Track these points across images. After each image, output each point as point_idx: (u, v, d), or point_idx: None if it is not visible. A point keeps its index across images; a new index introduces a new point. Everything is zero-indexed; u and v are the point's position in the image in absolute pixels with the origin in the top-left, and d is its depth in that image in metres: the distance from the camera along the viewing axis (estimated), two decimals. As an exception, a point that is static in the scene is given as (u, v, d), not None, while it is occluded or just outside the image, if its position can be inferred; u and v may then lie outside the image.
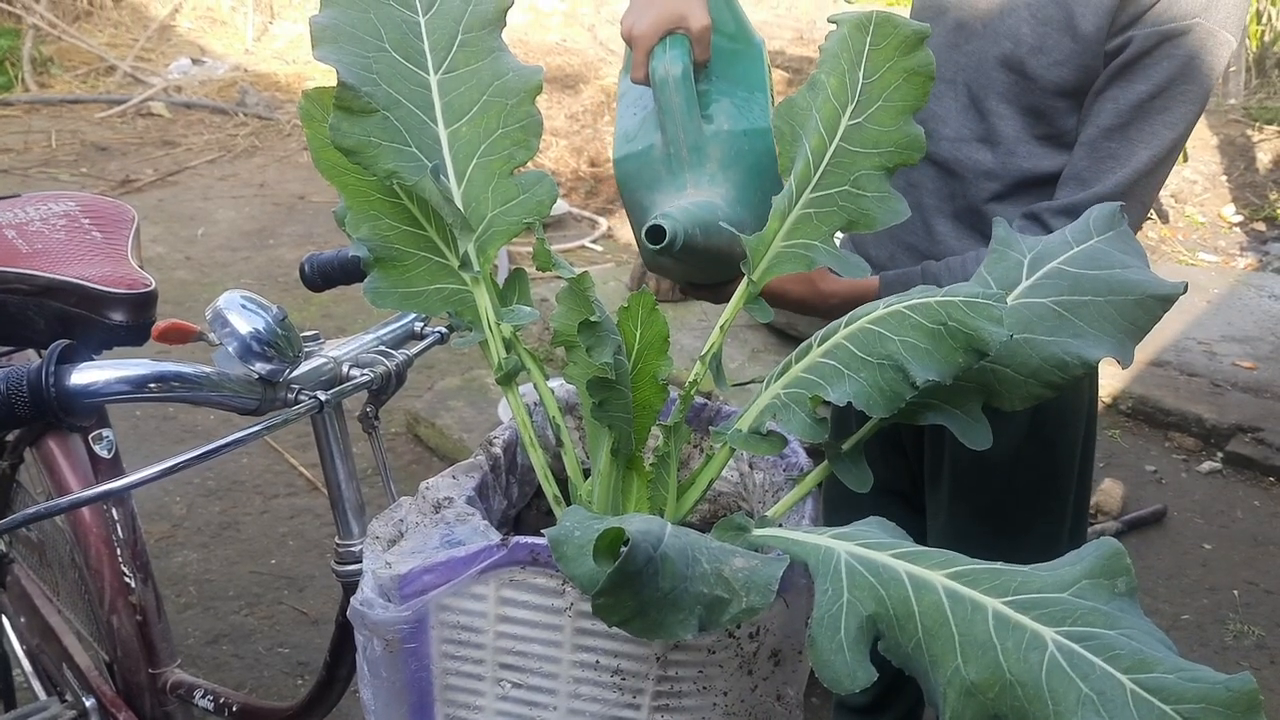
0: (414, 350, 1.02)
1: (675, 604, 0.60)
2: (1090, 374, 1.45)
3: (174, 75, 6.82)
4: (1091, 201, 1.13)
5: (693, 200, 1.12)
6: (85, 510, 1.41)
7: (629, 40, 1.17)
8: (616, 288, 3.81)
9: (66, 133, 5.88)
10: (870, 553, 0.68)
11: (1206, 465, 3.07)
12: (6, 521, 0.86)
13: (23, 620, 1.70)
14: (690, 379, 0.93)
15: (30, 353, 1.49)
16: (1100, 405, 3.36)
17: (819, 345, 0.84)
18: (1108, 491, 2.80)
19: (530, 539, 0.75)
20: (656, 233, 1.06)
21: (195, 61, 7.06)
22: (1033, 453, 1.38)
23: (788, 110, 0.97)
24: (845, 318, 0.84)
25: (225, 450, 0.83)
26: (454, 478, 0.91)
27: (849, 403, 0.79)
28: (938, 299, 0.79)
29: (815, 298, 1.29)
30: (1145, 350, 3.49)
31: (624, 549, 0.56)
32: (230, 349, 0.81)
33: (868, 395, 0.79)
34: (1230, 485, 3.00)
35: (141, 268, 1.34)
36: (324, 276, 1.16)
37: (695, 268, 1.20)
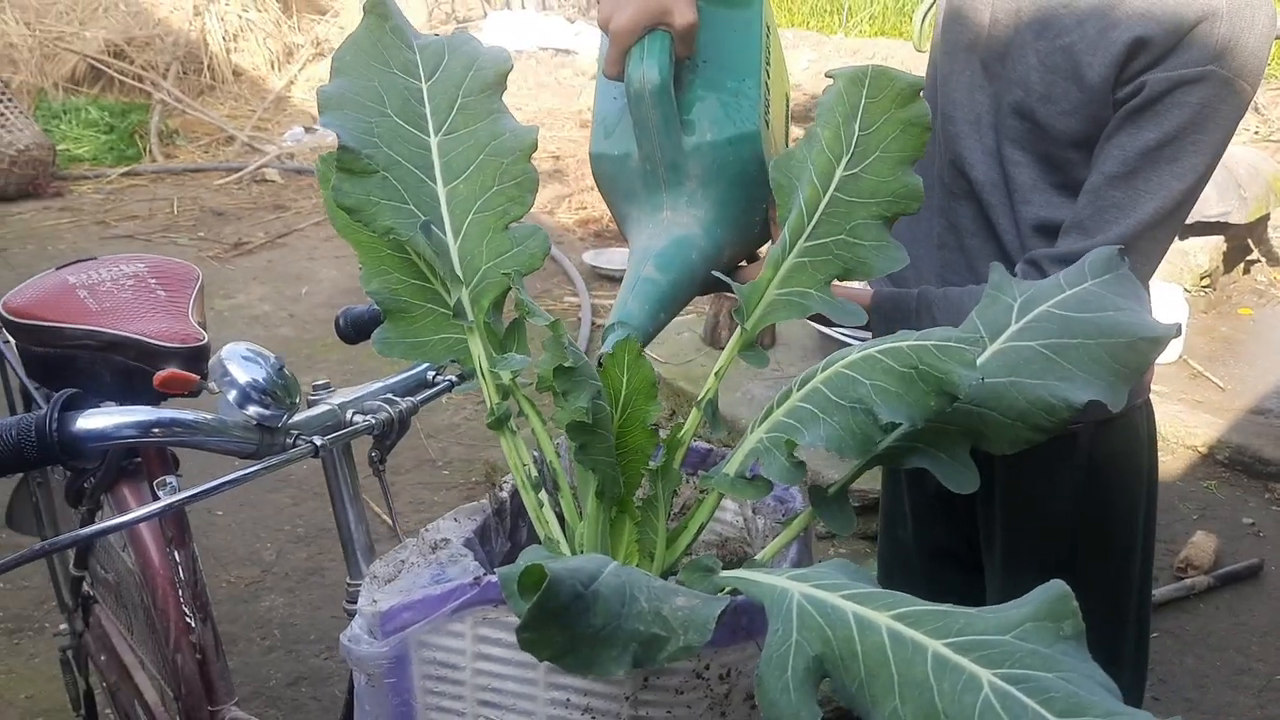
0: (419, 397, 1.07)
1: (608, 641, 0.62)
2: (1148, 420, 1.41)
3: (288, 143, 7.16)
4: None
5: (666, 242, 1.06)
6: (152, 553, 1.50)
7: (605, 31, 1.05)
8: (690, 339, 3.83)
9: (188, 199, 6.23)
10: (821, 593, 0.69)
11: (1311, 518, 2.92)
12: (59, 540, 0.92)
13: (103, 658, 1.80)
14: (685, 425, 0.95)
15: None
16: (1196, 455, 3.23)
17: (798, 389, 0.85)
18: (1199, 545, 2.68)
19: (501, 578, 0.77)
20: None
21: (307, 129, 7.41)
22: (1091, 509, 1.34)
23: (785, 164, 0.99)
24: (823, 362, 0.85)
25: (229, 486, 0.89)
26: (455, 520, 0.95)
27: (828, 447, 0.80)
28: (910, 343, 0.80)
29: None
30: (1244, 397, 3.34)
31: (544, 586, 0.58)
32: (229, 396, 0.87)
33: (840, 439, 0.80)
34: (1337, 540, 2.84)
35: (202, 325, 1.43)
36: (356, 329, 1.22)
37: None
